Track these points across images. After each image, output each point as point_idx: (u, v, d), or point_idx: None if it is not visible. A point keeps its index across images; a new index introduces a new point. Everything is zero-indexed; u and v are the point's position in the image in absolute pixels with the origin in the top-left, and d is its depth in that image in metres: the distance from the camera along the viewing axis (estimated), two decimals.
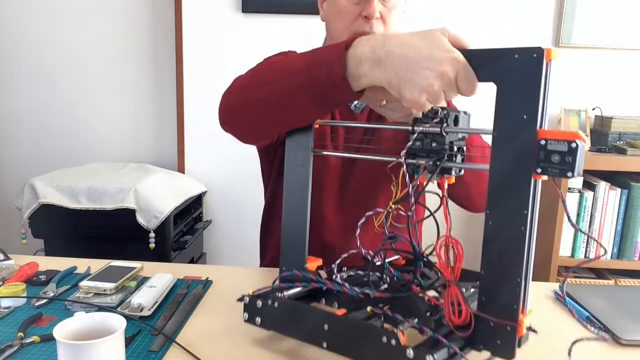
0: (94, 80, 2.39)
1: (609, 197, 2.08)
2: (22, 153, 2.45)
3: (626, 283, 2.11)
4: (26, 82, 2.40)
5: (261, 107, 0.85)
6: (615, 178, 2.12)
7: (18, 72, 2.40)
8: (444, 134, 0.72)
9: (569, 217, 0.66)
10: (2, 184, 2.48)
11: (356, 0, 1.06)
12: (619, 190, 2.08)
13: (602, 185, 2.07)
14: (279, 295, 0.77)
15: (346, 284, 0.77)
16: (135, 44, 2.36)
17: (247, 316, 0.78)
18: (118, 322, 0.66)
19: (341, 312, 0.71)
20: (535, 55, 0.61)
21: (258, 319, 0.76)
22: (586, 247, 2.11)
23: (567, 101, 2.25)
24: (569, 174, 0.61)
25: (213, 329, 0.84)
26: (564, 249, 2.07)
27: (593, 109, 2.23)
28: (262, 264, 1.31)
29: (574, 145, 0.59)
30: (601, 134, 2.19)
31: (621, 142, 2.12)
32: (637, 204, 2.06)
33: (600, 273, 2.18)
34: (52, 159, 2.42)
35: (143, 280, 0.99)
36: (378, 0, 1.05)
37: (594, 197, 2.07)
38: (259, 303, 0.76)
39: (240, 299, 0.78)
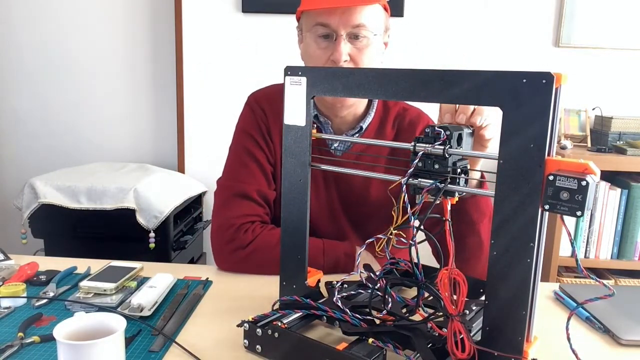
0: (94, 80, 2.39)
1: (609, 197, 2.08)
2: (22, 153, 2.45)
3: (626, 283, 2.11)
4: (26, 81, 2.40)
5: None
6: (615, 178, 2.12)
7: (18, 71, 2.40)
8: (447, 156, 0.69)
9: (569, 235, 0.64)
10: (2, 184, 2.48)
11: (324, 45, 1.07)
12: (619, 190, 2.08)
13: (602, 185, 2.07)
14: (279, 324, 0.76)
15: (348, 312, 0.76)
16: (135, 44, 2.36)
17: (247, 343, 0.77)
18: (118, 322, 0.66)
19: (342, 346, 0.70)
20: (544, 81, 0.58)
21: (259, 347, 0.76)
22: (586, 247, 2.12)
23: (567, 101, 2.25)
24: (579, 213, 0.57)
25: (213, 329, 0.84)
26: (564, 249, 2.07)
27: (593, 109, 2.23)
28: None
29: (584, 183, 0.57)
30: (601, 134, 2.19)
31: (621, 142, 2.12)
32: (637, 204, 2.06)
33: (600, 273, 2.18)
34: (52, 158, 2.42)
35: (143, 281, 0.99)
36: (346, 42, 1.04)
37: (594, 197, 2.07)
38: (259, 331, 0.75)
39: (240, 325, 0.78)
